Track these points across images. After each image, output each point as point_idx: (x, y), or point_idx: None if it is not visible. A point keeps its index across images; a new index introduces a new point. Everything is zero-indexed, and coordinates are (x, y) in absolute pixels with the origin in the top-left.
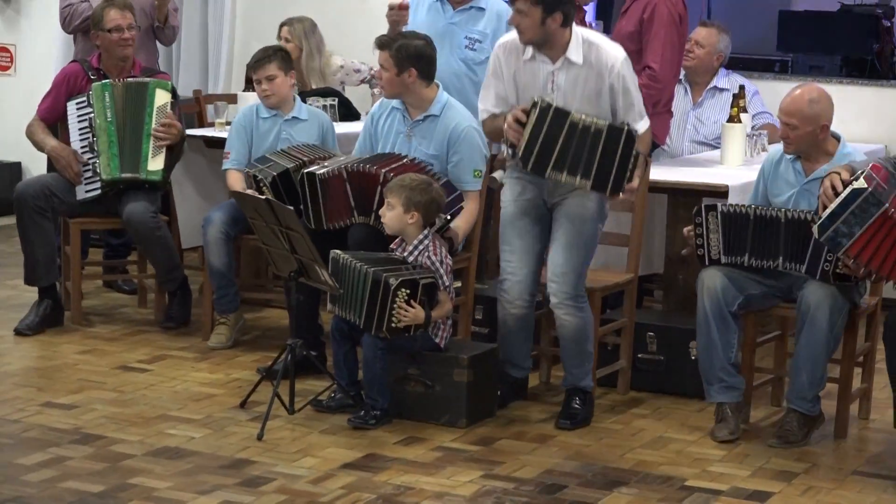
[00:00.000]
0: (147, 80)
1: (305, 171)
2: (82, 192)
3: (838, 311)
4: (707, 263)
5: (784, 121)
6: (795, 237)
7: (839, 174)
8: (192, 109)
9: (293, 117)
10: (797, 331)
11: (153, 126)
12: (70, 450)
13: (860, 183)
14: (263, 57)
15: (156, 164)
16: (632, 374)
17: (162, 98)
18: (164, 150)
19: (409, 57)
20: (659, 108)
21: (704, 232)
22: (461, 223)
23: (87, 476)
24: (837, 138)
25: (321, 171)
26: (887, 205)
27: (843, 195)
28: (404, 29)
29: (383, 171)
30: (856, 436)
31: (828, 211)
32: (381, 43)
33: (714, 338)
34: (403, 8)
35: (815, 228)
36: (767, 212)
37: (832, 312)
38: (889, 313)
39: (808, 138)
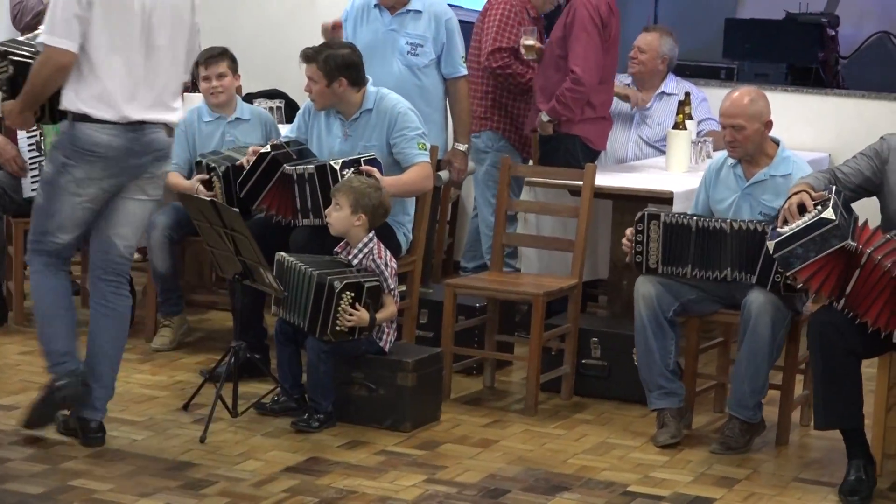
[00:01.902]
0: None
1: (275, 153)
2: (29, 190)
3: (781, 319)
4: (644, 271)
5: (729, 124)
6: (742, 248)
7: (808, 193)
8: None
9: (236, 118)
10: (739, 339)
11: None
12: (10, 451)
13: (829, 213)
14: (215, 54)
15: None
16: (575, 379)
17: None
18: None
19: (338, 67)
20: (594, 114)
21: (645, 240)
22: (395, 178)
23: (28, 478)
24: (777, 142)
25: (289, 167)
26: (850, 240)
27: (809, 220)
28: None
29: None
30: (797, 442)
31: (789, 230)
32: (308, 56)
33: (651, 345)
34: (337, 27)
35: (771, 243)
36: (712, 223)
37: (774, 321)
38: (811, 317)
39: (755, 137)
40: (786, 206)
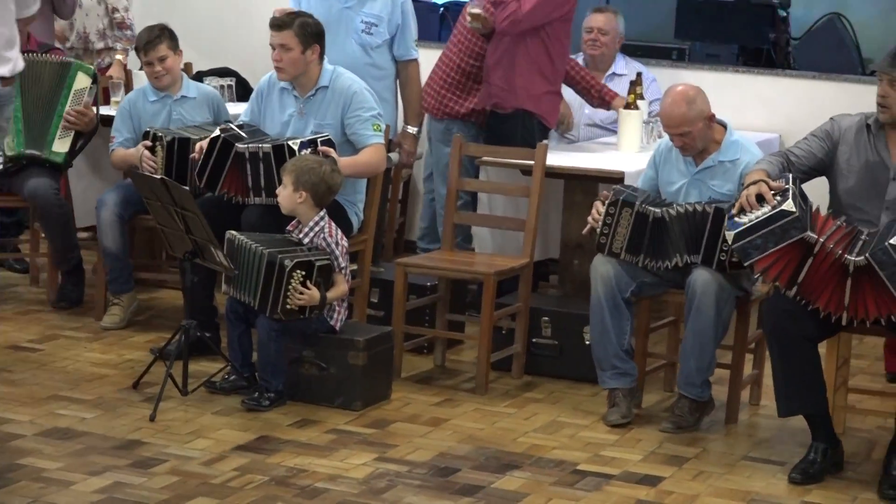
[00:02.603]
0: (71, 60)
1: (225, 135)
2: None
3: (725, 297)
4: (605, 253)
5: (675, 133)
6: (686, 231)
7: (766, 182)
8: None
9: (182, 97)
10: (685, 318)
11: (67, 109)
12: None
13: (789, 205)
14: (153, 38)
15: (61, 145)
16: (526, 358)
17: (82, 82)
18: (72, 133)
19: (314, 34)
20: (550, 87)
21: (613, 223)
22: (350, 159)
23: None
24: (724, 125)
25: (241, 145)
26: (809, 231)
27: (769, 212)
28: None
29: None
30: (746, 421)
31: (748, 220)
32: (281, 23)
33: (607, 324)
34: None
35: (730, 234)
36: (661, 212)
37: (718, 299)
38: (765, 305)
39: (702, 134)
40: (744, 195)
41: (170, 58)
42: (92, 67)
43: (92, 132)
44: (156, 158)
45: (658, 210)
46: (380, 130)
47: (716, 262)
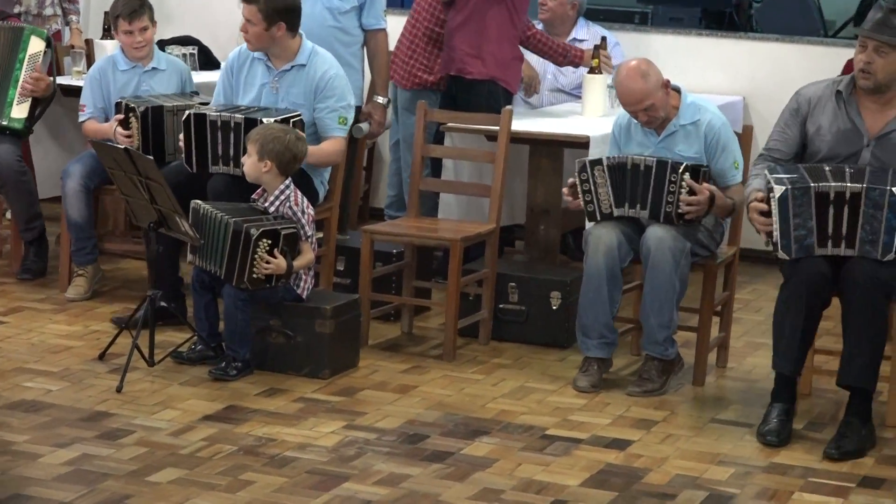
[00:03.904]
0: (23, 26)
1: (195, 112)
2: None
3: (679, 251)
4: (599, 219)
5: (639, 109)
6: (642, 184)
7: (755, 196)
8: None
9: (153, 68)
10: (642, 276)
11: (23, 77)
12: None
13: (779, 190)
14: (137, 7)
15: (20, 111)
16: (493, 324)
17: (36, 46)
18: (29, 100)
19: (278, 11)
20: (511, 53)
21: (592, 188)
22: (314, 147)
23: None
24: (677, 90)
25: (213, 114)
26: (811, 184)
27: (774, 210)
28: None
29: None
30: (714, 384)
31: (776, 231)
32: None
33: (604, 294)
34: None
35: (780, 253)
36: (637, 159)
37: (673, 253)
38: (795, 266)
39: (663, 103)
40: (757, 225)
41: (149, 29)
42: (45, 31)
43: (50, 98)
44: (131, 131)
45: (632, 157)
46: (345, 124)
47: (663, 213)
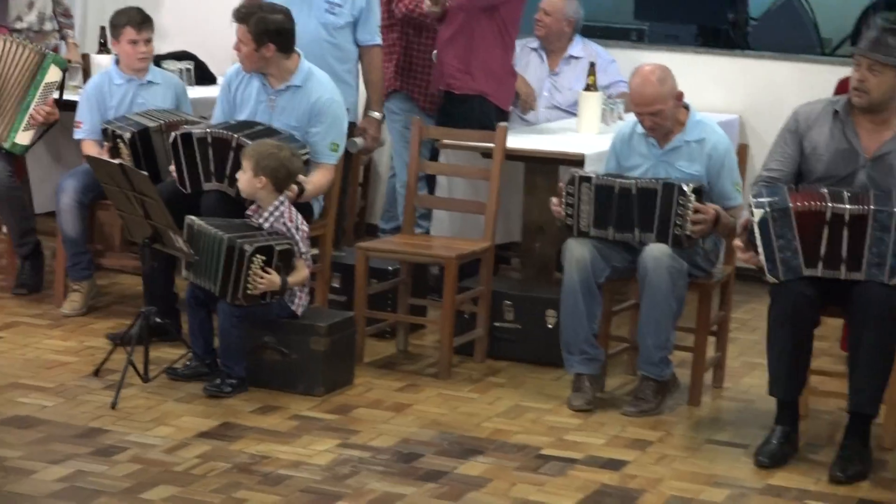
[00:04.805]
0: (46, 51)
1: (179, 133)
2: None
3: (676, 271)
4: (576, 234)
5: (647, 112)
6: (645, 207)
7: (734, 216)
8: None
9: (148, 82)
10: (640, 297)
11: (35, 103)
12: None
13: (758, 213)
14: (146, 18)
15: (24, 138)
16: (488, 342)
17: (53, 75)
18: (36, 128)
19: (268, 31)
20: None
21: (577, 202)
22: (308, 185)
23: None
24: (687, 107)
25: (198, 131)
26: (790, 204)
27: (757, 235)
28: None
29: (237, 136)
30: (709, 404)
31: (761, 255)
32: (240, 16)
33: (580, 309)
34: None
35: (768, 277)
36: (626, 183)
37: (670, 273)
38: (781, 288)
39: (672, 113)
40: (739, 255)
41: (152, 42)
42: (65, 60)
43: (51, 125)
44: (122, 158)
45: (621, 181)
46: (336, 150)
47: (671, 237)
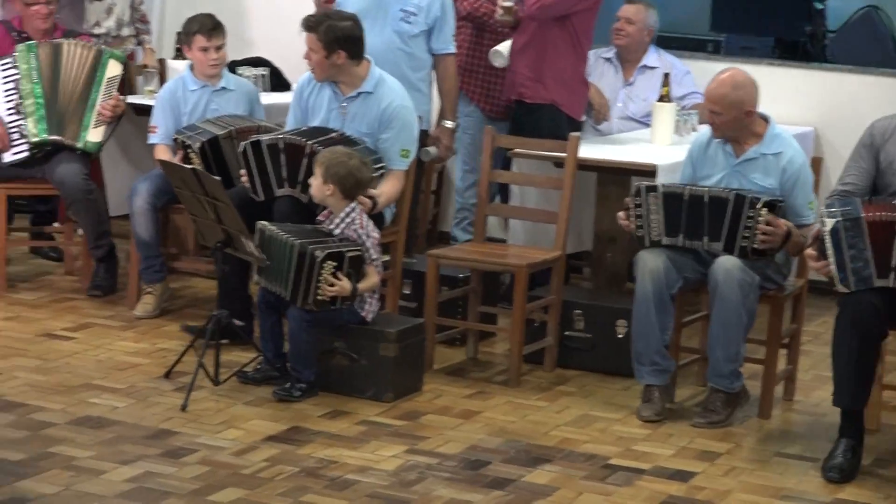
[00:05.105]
0: (102, 48)
1: (249, 141)
2: (10, 154)
3: (747, 284)
4: (647, 245)
5: (709, 107)
6: (715, 216)
7: (805, 235)
8: None
9: (222, 88)
10: (710, 309)
11: (100, 99)
12: None
13: (830, 223)
14: (217, 25)
15: (96, 135)
16: (558, 351)
17: (113, 70)
18: (106, 124)
19: (338, 39)
20: (573, 78)
21: (645, 213)
22: (381, 198)
23: (8, 444)
24: (766, 119)
25: (267, 138)
26: (861, 214)
27: (828, 244)
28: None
29: (310, 142)
30: (779, 417)
31: (833, 265)
32: (309, 25)
33: (652, 320)
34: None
35: (839, 286)
36: (697, 190)
37: (741, 286)
38: (849, 297)
39: (732, 124)
40: (811, 263)
41: (223, 48)
42: (122, 54)
43: (119, 117)
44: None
45: (691, 188)
46: (407, 157)
47: (737, 248)
